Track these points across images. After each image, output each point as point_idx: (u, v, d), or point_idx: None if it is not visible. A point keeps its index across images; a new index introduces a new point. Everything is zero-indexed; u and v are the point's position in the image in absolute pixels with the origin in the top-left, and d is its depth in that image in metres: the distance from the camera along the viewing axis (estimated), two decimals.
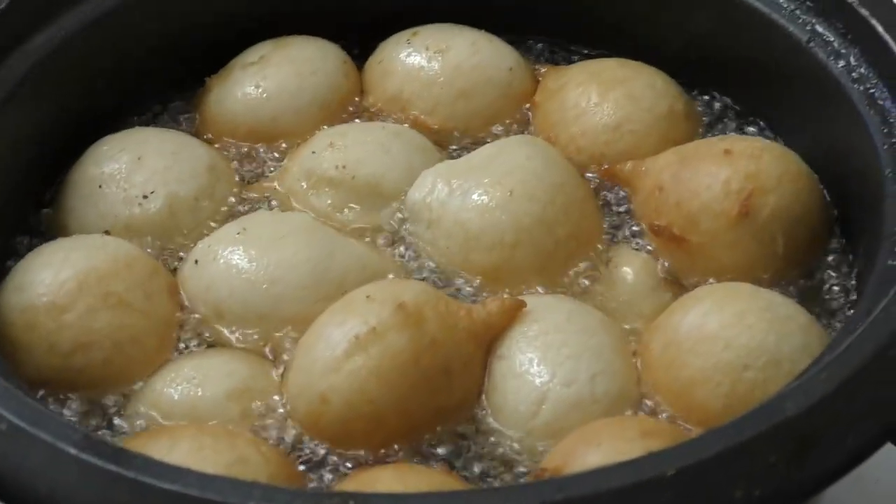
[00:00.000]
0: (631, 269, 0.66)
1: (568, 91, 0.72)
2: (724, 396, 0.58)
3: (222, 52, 0.73)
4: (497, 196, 0.65)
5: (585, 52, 0.77)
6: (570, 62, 0.76)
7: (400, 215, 0.68)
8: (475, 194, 0.66)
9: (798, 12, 0.66)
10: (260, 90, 0.71)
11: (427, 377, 0.58)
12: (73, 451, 0.47)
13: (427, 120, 0.72)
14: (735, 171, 0.63)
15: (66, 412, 0.59)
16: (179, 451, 0.53)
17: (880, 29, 0.62)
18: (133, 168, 0.67)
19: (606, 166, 0.69)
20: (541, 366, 0.59)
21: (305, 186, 0.68)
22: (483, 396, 0.61)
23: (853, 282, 0.63)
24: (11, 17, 0.66)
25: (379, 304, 0.59)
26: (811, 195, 0.64)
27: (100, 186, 0.67)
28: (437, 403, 0.59)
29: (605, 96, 0.71)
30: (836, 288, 0.64)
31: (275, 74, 0.71)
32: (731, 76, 0.70)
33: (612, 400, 0.59)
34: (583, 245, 0.66)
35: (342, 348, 0.58)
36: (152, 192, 0.66)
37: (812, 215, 0.65)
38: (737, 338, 0.58)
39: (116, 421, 0.60)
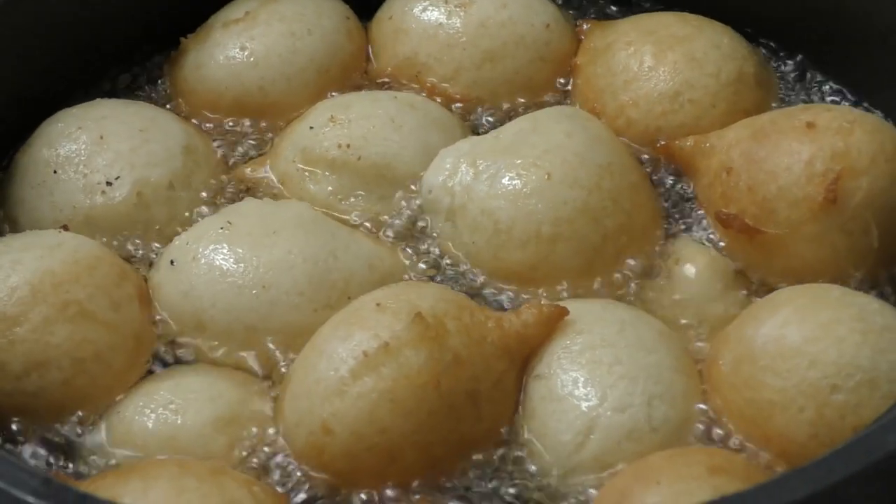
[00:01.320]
0: (695, 266, 0.63)
1: (616, 51, 0.70)
2: (809, 424, 0.55)
3: (200, 5, 0.71)
4: (532, 180, 0.63)
5: (638, 4, 0.74)
6: (618, 17, 0.74)
7: (415, 204, 0.65)
8: (506, 178, 0.63)
9: None
10: (246, 53, 0.68)
11: (450, 402, 0.56)
12: (31, 500, 0.45)
13: (448, 88, 0.70)
14: (820, 148, 0.61)
15: (22, 448, 0.57)
16: (156, 495, 0.51)
17: None
18: (94, 149, 0.64)
19: (663, 142, 0.67)
20: (588, 387, 0.57)
21: (302, 170, 0.66)
22: (518, 424, 0.58)
23: None
24: None
25: (392, 314, 0.57)
26: None
27: (54, 172, 0.64)
28: (461, 433, 0.56)
29: (661, 58, 0.69)
30: None
31: (263, 34, 0.69)
32: (812, 33, 0.68)
33: (674, 428, 0.56)
34: (636, 239, 0.64)
35: (348, 367, 0.55)
36: (117, 178, 0.64)
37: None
38: (824, 353, 0.55)
39: (80, 455, 0.57)
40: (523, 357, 0.58)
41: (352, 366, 0.55)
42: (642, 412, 0.55)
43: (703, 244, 0.64)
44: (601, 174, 0.63)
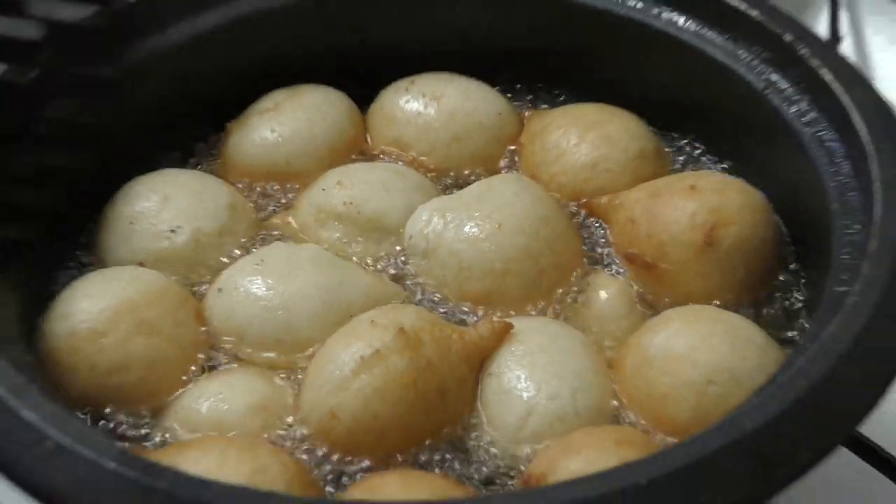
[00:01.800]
0: (607, 292, 0.66)
1: (549, 133, 0.72)
2: (691, 409, 0.58)
3: (241, 100, 0.74)
4: (487, 229, 0.65)
5: (566, 97, 0.77)
6: (552, 106, 0.77)
7: (399, 247, 0.68)
8: (467, 227, 0.66)
9: (755, 63, 0.67)
10: (275, 134, 0.71)
11: (424, 396, 0.58)
12: (111, 465, 0.48)
13: (425, 160, 0.73)
14: (700, 204, 0.64)
15: (105, 427, 0.60)
16: (206, 462, 0.53)
17: (829, 78, 0.63)
18: (161, 206, 0.67)
19: (585, 200, 0.70)
20: (528, 382, 0.60)
21: (316, 221, 0.68)
22: (477, 409, 0.61)
23: (805, 306, 0.64)
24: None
25: (382, 328, 0.59)
26: (768, 227, 0.65)
27: (131, 223, 0.67)
28: (433, 419, 0.59)
29: (583, 138, 0.71)
30: (790, 312, 0.65)
31: (288, 120, 0.72)
32: (698, 121, 0.71)
33: (592, 413, 0.59)
34: (565, 272, 0.67)
35: (350, 368, 0.58)
36: (179, 227, 0.66)
37: (769, 245, 0.65)
38: (702, 357, 0.59)
39: (150, 434, 0.60)
40: (480, 361, 0.61)
41: (352, 367, 0.58)
42: (569, 401, 0.58)
43: (615, 276, 0.67)
44: (539, 225, 0.65)
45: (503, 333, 0.62)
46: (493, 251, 0.65)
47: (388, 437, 0.58)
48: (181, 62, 0.72)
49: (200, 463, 0.53)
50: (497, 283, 0.65)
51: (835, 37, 0.96)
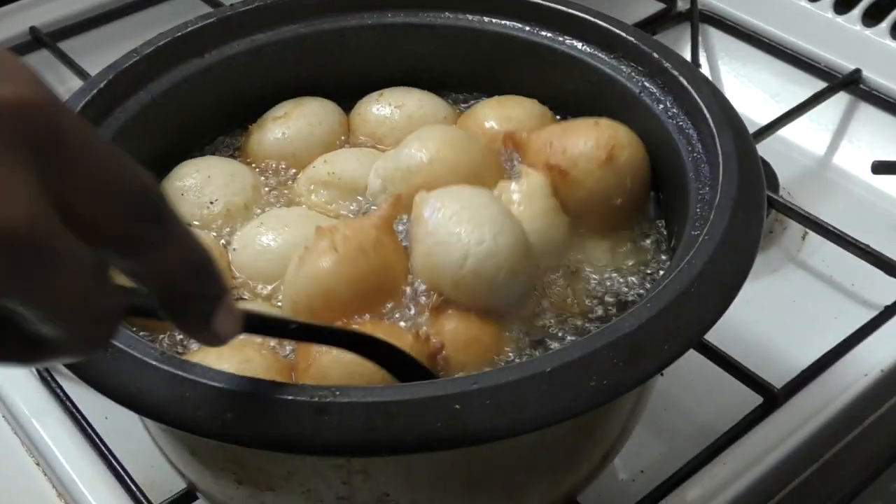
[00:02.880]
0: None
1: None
2: None
3: (259, 108, 0.72)
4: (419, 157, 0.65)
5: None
6: None
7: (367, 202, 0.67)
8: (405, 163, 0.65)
9: (633, 74, 0.66)
10: (285, 135, 0.70)
11: (355, 262, 0.57)
12: (153, 362, 0.47)
13: (388, 148, 0.70)
14: (602, 132, 0.63)
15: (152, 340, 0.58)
16: (209, 359, 0.52)
17: (684, 82, 0.63)
18: (204, 183, 0.66)
19: (506, 133, 0.67)
20: (458, 234, 0.57)
21: (308, 190, 0.67)
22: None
23: (671, 248, 0.63)
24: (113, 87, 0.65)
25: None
26: (645, 159, 0.64)
27: (182, 195, 0.65)
28: (374, 279, 0.58)
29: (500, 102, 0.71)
30: (658, 251, 0.64)
31: (294, 125, 0.70)
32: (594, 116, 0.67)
33: (512, 248, 0.57)
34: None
35: (294, 265, 0.58)
36: (216, 200, 0.65)
37: (644, 172, 0.64)
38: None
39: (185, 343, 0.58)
40: (391, 228, 0.59)
41: (296, 263, 0.57)
42: (492, 242, 0.56)
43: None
44: (459, 146, 0.65)
45: (396, 202, 0.61)
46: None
47: (345, 306, 0.56)
48: (216, 80, 0.70)
49: (204, 360, 0.52)
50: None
51: (695, 64, 0.95)
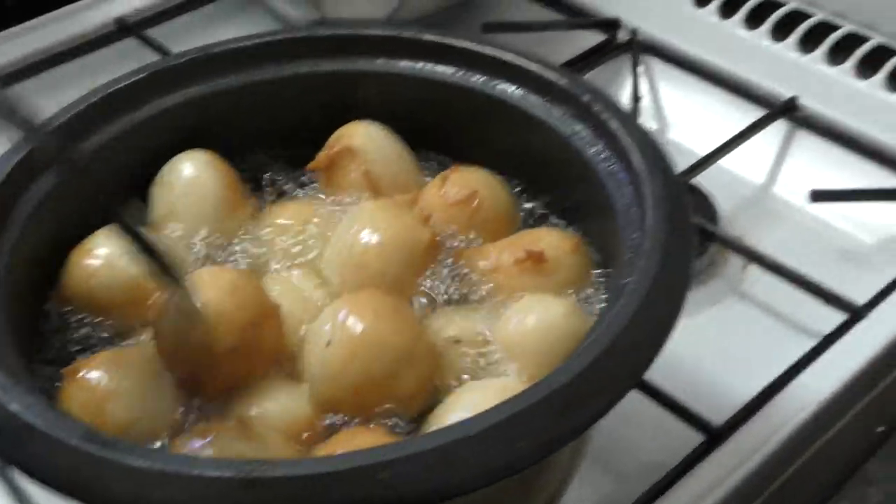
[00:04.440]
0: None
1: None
2: None
3: None
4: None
5: (434, 155, 0.73)
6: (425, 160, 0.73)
7: None
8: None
9: (564, 118, 0.66)
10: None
11: None
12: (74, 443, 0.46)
13: None
14: (554, 230, 0.65)
15: None
16: None
17: (614, 126, 0.63)
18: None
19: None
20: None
21: None
22: None
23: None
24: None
25: None
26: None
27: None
28: None
29: None
30: (598, 299, 0.63)
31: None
32: (525, 162, 0.69)
33: None
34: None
35: None
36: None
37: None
38: None
39: None
40: None
41: None
42: None
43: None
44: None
45: None
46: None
47: None
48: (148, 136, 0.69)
49: None
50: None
51: (636, 97, 0.96)
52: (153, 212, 0.67)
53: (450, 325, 0.60)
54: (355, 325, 0.55)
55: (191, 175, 0.66)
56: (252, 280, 0.59)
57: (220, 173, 0.67)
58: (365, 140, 0.68)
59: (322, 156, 0.68)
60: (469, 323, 0.60)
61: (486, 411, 0.48)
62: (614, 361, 0.50)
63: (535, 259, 0.62)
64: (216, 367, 0.55)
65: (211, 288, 0.55)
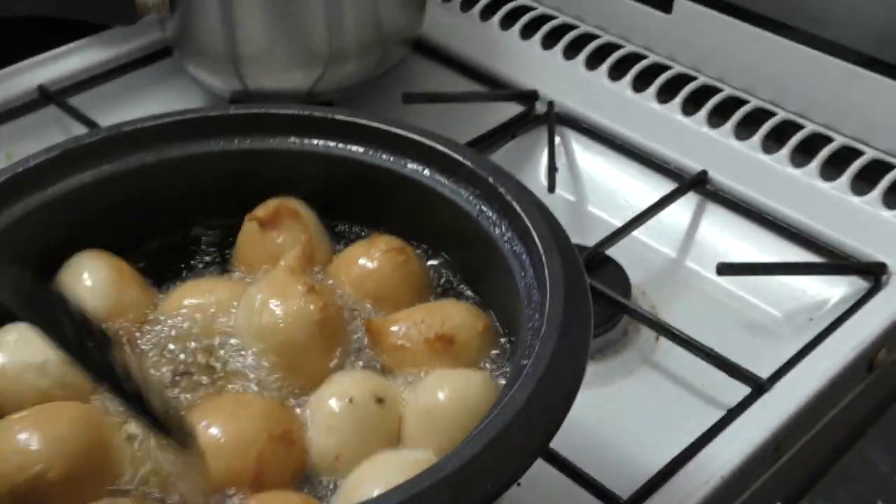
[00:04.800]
0: None
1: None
2: None
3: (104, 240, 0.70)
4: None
5: (348, 225, 0.75)
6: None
7: None
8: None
9: (470, 198, 0.68)
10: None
11: None
12: None
13: None
14: (464, 307, 0.66)
15: None
16: None
17: (516, 207, 0.65)
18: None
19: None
20: None
21: None
22: None
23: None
24: None
25: None
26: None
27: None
28: None
29: None
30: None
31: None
32: (436, 240, 0.71)
33: None
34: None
35: None
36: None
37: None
38: None
39: None
40: None
41: None
42: None
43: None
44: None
45: None
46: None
47: None
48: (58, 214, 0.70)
49: None
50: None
51: (552, 167, 0.98)
52: None
53: (375, 385, 0.61)
54: None
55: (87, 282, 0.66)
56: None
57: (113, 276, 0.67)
58: (302, 209, 0.71)
59: (270, 204, 0.69)
60: (393, 386, 0.62)
61: (380, 496, 0.49)
62: (506, 447, 0.51)
63: (446, 342, 0.63)
64: None
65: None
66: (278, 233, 0.69)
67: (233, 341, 0.64)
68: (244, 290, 0.66)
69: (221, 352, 0.64)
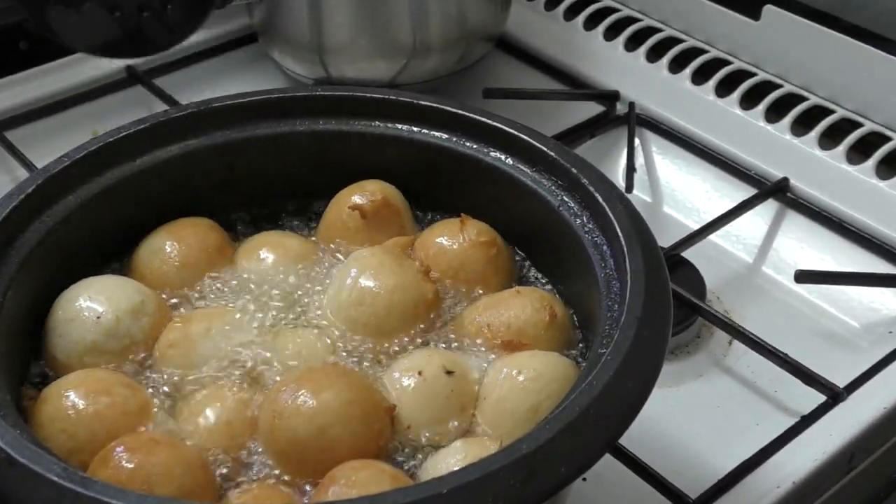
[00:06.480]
0: None
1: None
2: None
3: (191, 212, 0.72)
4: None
5: (431, 216, 0.75)
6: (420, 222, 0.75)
7: None
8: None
9: (553, 188, 0.67)
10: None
11: None
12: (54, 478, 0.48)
13: None
14: (531, 298, 0.64)
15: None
16: None
17: (599, 199, 0.64)
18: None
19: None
20: None
21: None
22: None
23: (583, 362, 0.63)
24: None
25: None
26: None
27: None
28: None
29: None
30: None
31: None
32: (515, 228, 0.70)
33: None
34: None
35: None
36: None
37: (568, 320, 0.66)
38: None
39: None
40: None
41: None
42: None
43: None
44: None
45: None
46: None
47: None
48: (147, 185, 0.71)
49: None
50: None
51: (631, 168, 0.98)
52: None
53: (444, 358, 0.61)
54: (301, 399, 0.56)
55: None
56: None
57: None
58: (395, 197, 0.71)
59: (373, 201, 0.69)
60: (463, 359, 0.62)
61: (456, 472, 0.49)
62: (581, 432, 0.51)
63: (514, 347, 0.63)
64: None
65: None
66: (375, 220, 0.70)
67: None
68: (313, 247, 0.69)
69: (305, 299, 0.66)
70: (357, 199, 0.70)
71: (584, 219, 0.65)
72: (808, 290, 0.87)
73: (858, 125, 0.97)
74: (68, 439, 0.56)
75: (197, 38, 1.09)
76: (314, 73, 1.02)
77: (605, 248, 0.63)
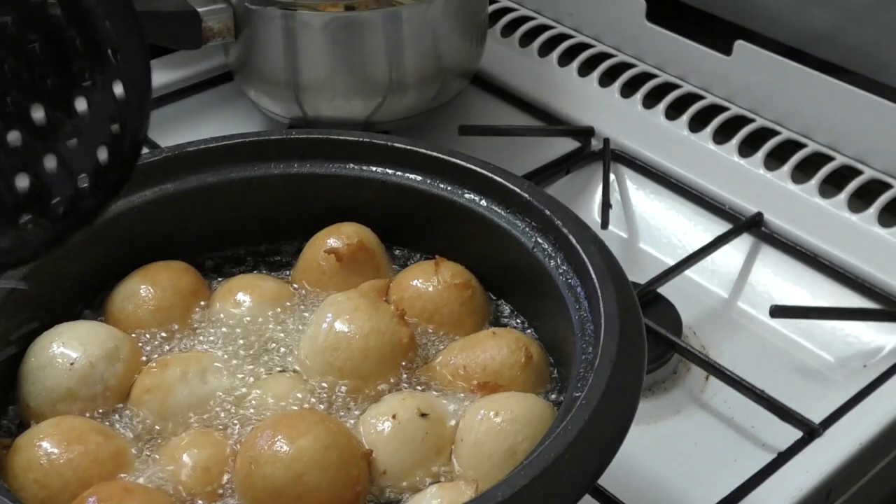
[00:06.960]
0: None
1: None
2: None
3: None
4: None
5: (408, 254, 0.76)
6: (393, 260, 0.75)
7: None
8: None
9: (526, 229, 0.68)
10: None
11: None
12: None
13: None
14: (507, 339, 0.64)
15: None
16: None
17: (573, 240, 0.64)
18: None
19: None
20: None
21: None
22: None
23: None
24: None
25: None
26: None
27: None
28: None
29: None
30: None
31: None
32: (488, 270, 0.71)
33: None
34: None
35: None
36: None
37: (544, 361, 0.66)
38: None
39: None
40: None
41: None
42: None
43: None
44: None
45: None
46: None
47: None
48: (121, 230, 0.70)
49: None
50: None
51: (606, 204, 0.98)
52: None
53: (418, 401, 0.61)
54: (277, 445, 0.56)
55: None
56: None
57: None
58: (371, 240, 0.72)
59: (349, 245, 0.69)
60: (438, 402, 0.62)
61: None
62: (556, 479, 0.51)
63: (490, 389, 0.63)
64: None
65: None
66: (350, 264, 0.70)
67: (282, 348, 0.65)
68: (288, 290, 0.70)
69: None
70: (332, 243, 0.70)
71: (558, 260, 0.65)
72: (783, 325, 0.87)
73: (830, 159, 0.98)
74: (41, 489, 0.56)
75: (173, 77, 1.11)
76: (290, 112, 1.02)
77: (578, 289, 0.63)
